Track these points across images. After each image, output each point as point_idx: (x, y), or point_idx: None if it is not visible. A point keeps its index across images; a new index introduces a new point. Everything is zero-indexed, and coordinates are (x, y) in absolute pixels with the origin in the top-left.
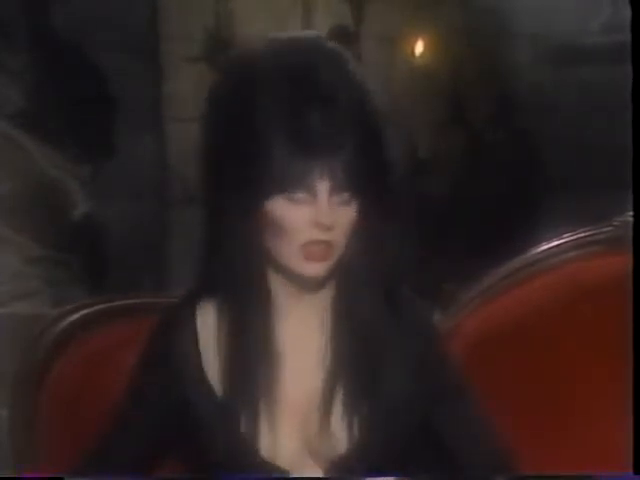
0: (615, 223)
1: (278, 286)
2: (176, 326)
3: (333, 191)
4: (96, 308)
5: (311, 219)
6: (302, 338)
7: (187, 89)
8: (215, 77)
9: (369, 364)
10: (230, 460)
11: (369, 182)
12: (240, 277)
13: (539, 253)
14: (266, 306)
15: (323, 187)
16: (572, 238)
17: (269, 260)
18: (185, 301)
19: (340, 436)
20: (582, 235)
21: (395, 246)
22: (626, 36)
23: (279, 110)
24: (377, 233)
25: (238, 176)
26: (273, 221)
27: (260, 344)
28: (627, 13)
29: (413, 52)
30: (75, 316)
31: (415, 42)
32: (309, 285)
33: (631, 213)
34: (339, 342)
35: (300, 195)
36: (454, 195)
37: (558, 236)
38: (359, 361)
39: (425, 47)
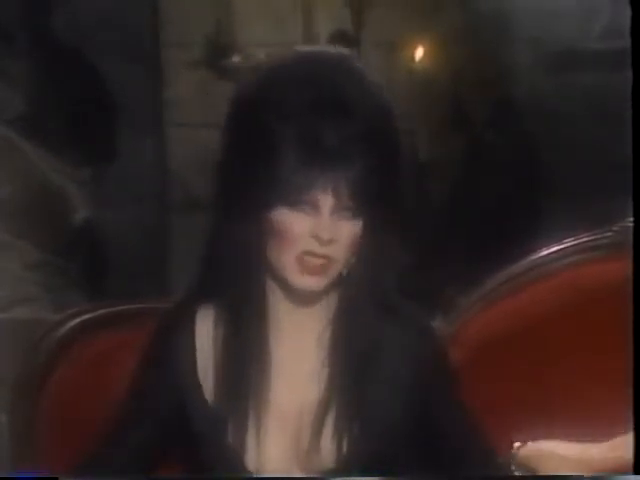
0: (615, 229)
1: (276, 297)
2: (175, 329)
3: (336, 206)
4: (97, 313)
5: (311, 231)
6: (299, 351)
7: (188, 94)
8: (236, 84)
9: (365, 382)
10: (217, 466)
11: (377, 201)
12: (238, 284)
13: (540, 258)
14: (261, 316)
15: (326, 201)
16: (572, 243)
17: (269, 270)
18: (185, 304)
19: (329, 453)
20: (582, 240)
21: (398, 259)
22: (627, 41)
23: (296, 121)
24: (381, 249)
25: (247, 182)
26: (275, 230)
27: (252, 353)
28: (627, 18)
29: (413, 56)
30: (76, 321)
31: (415, 47)
32: (305, 298)
33: (631, 219)
34: (337, 359)
35: (303, 207)
36: (454, 199)
37: (558, 241)
38: (355, 379)
39: (425, 51)
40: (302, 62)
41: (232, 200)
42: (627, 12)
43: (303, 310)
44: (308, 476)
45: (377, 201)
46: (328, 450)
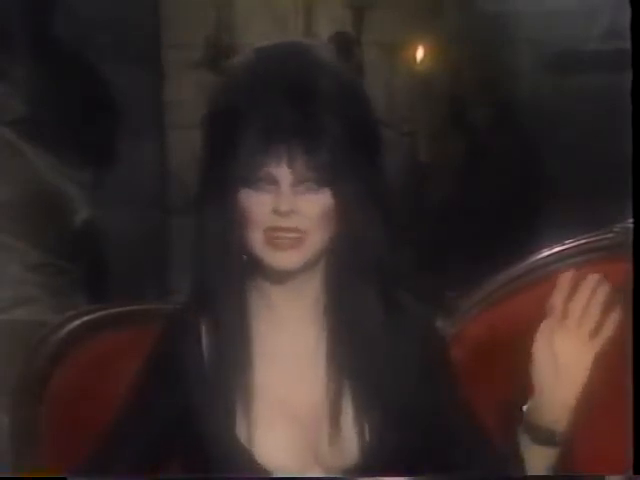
0: (616, 230)
1: (260, 284)
2: (182, 328)
3: (296, 179)
4: (97, 314)
5: (271, 206)
6: (299, 338)
7: (188, 95)
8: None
9: (373, 372)
10: (227, 462)
11: (343, 173)
12: (220, 276)
13: (540, 259)
14: (243, 307)
15: (283, 175)
16: (573, 245)
17: (247, 255)
18: (192, 301)
19: (351, 445)
20: (583, 242)
21: (386, 242)
22: (627, 42)
23: (257, 105)
24: (362, 227)
25: (216, 171)
26: (242, 213)
27: (235, 345)
28: (628, 18)
29: (414, 58)
30: (76, 322)
31: (416, 48)
32: (284, 279)
33: (631, 220)
34: (339, 350)
35: (264, 184)
36: (454, 199)
37: (559, 243)
38: (362, 370)
39: (426, 53)
40: (269, 53)
41: (206, 193)
42: (627, 12)
43: (292, 294)
44: (321, 476)
45: (344, 173)
46: (349, 442)
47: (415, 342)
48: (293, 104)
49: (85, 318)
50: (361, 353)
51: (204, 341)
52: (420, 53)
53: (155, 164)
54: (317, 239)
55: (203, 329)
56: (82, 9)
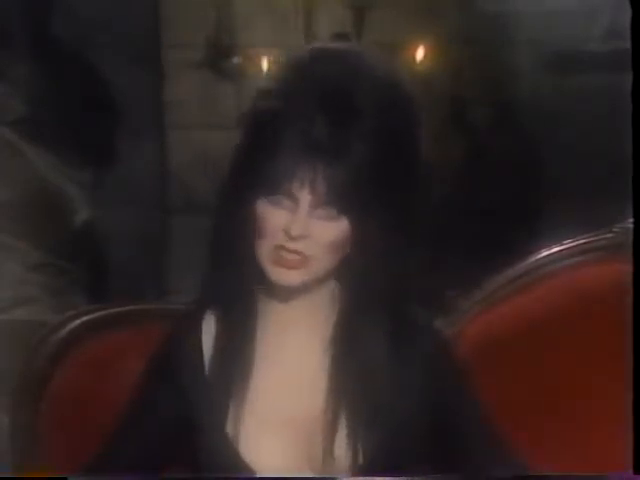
0: (615, 230)
1: (268, 295)
2: (182, 333)
3: (315, 202)
4: (96, 315)
5: (284, 226)
6: (303, 352)
7: (188, 95)
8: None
9: (374, 391)
10: (221, 465)
11: (364, 202)
12: (230, 283)
13: (540, 259)
14: (250, 316)
15: (303, 196)
16: (572, 245)
17: (257, 265)
18: (193, 308)
19: (344, 459)
20: (582, 242)
21: (399, 266)
22: (627, 42)
23: (293, 117)
24: (377, 252)
25: (238, 177)
26: (257, 223)
27: (238, 354)
28: (628, 19)
29: (414, 58)
30: (76, 322)
31: (416, 49)
32: (287, 294)
33: (631, 220)
34: (342, 367)
35: (284, 201)
36: (454, 200)
37: (558, 243)
38: (363, 388)
39: (426, 53)
40: (314, 61)
41: (225, 197)
42: (627, 12)
43: (299, 306)
44: (315, 476)
45: (365, 203)
46: (343, 456)
47: (422, 356)
48: (330, 125)
49: (85, 318)
50: (365, 366)
51: (204, 343)
52: (420, 53)
53: (155, 164)
54: (323, 263)
55: (207, 330)
56: (82, 9)
